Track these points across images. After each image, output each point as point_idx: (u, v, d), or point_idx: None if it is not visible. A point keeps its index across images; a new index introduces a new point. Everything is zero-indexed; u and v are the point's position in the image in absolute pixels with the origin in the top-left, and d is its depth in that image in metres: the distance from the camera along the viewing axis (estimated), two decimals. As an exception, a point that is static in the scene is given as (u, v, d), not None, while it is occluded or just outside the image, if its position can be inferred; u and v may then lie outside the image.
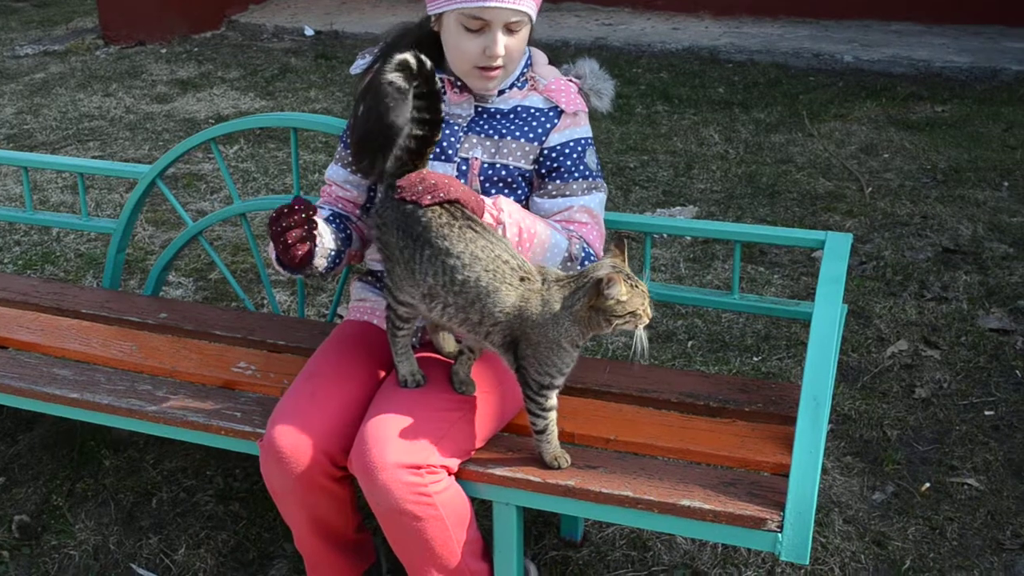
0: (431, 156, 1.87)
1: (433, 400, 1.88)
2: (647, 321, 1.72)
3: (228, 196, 4.39)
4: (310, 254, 1.87)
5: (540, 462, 1.85)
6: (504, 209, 1.87)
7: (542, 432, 1.82)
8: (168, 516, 2.50)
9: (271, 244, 1.87)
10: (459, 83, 2.02)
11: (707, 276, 3.62)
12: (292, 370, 2.15)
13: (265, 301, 3.50)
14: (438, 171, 1.88)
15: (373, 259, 2.15)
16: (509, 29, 1.92)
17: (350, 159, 2.10)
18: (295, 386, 1.96)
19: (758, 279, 3.57)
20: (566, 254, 1.93)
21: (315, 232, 1.85)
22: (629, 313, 1.69)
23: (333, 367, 2.00)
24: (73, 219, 2.94)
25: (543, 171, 2.02)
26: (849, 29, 6.96)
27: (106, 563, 2.37)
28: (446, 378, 1.93)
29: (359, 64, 2.12)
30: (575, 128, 2.03)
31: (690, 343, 3.20)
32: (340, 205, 2.14)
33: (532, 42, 2.06)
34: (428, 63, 1.73)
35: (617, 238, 1.76)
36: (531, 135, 2.01)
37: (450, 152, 2.00)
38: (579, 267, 1.94)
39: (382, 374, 2.03)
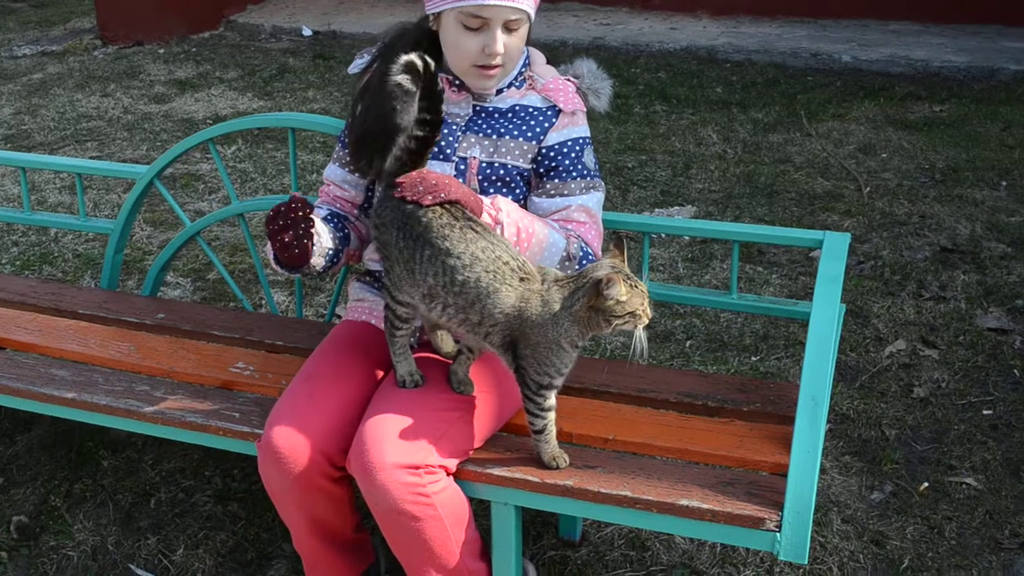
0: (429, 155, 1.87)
1: (431, 400, 1.88)
2: (646, 321, 1.72)
3: (226, 196, 4.39)
4: (308, 252, 1.87)
5: (538, 462, 1.85)
6: (502, 209, 1.87)
7: (540, 432, 1.82)
8: (166, 517, 2.50)
9: (269, 243, 1.87)
10: (457, 82, 2.02)
11: (705, 276, 3.62)
12: (290, 370, 2.15)
13: (263, 301, 3.50)
14: (436, 171, 1.88)
15: (371, 259, 2.15)
16: (508, 27, 1.92)
17: (348, 159, 2.10)
18: (293, 386, 1.96)
19: (756, 279, 3.57)
20: (564, 253, 1.93)
21: (312, 230, 1.85)
22: (628, 313, 1.69)
23: (331, 367, 2.00)
24: (71, 219, 2.93)
25: (541, 170, 2.02)
26: (847, 29, 6.96)
27: (104, 564, 2.37)
28: (444, 378, 1.93)
29: (357, 64, 2.12)
30: (573, 127, 2.03)
31: (688, 343, 3.20)
32: (338, 205, 2.14)
33: (530, 42, 2.06)
34: (432, 64, 1.73)
35: (616, 238, 1.76)
36: (529, 134, 2.01)
37: (448, 151, 2.00)
38: (577, 266, 1.94)
39: (380, 374, 2.03)
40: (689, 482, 1.80)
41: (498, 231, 1.84)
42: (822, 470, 2.56)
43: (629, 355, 1.75)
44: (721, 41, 6.76)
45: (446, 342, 1.96)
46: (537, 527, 2.40)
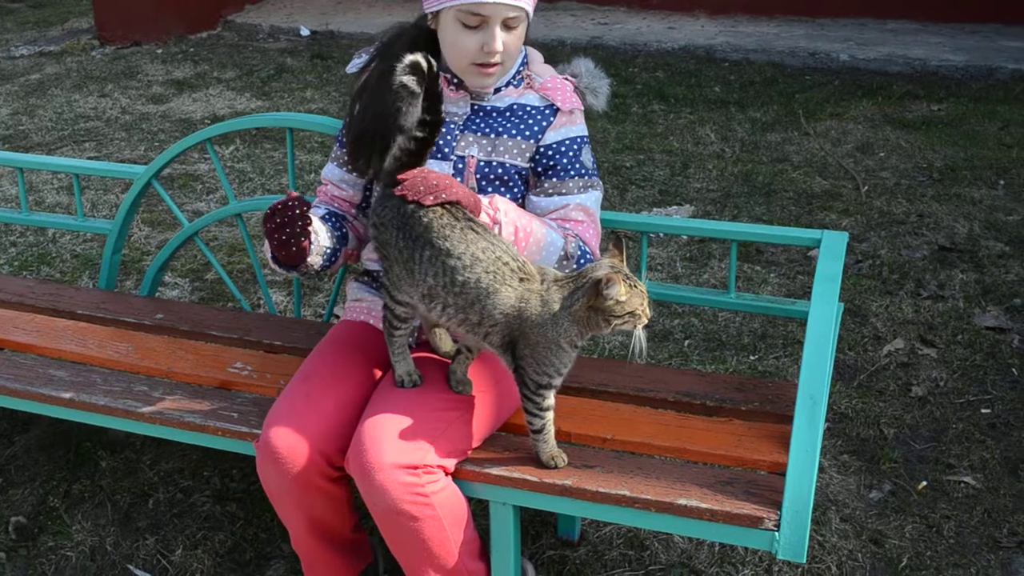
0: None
1: (430, 400, 1.88)
2: (646, 321, 1.72)
3: (224, 196, 4.38)
4: (305, 250, 1.87)
5: (537, 461, 1.85)
6: (500, 208, 1.87)
7: (539, 431, 1.82)
8: (165, 517, 2.50)
9: (266, 242, 1.87)
10: (455, 81, 2.01)
11: (703, 275, 3.62)
12: (288, 370, 2.15)
13: (261, 301, 3.50)
14: (434, 169, 1.88)
15: (369, 259, 2.15)
16: (507, 25, 1.93)
17: (346, 158, 2.10)
18: (291, 387, 1.96)
19: (754, 278, 3.57)
20: (562, 252, 1.93)
21: (309, 228, 1.85)
22: (628, 313, 1.69)
23: (329, 367, 2.00)
24: (69, 220, 2.93)
25: (539, 169, 2.02)
26: (845, 28, 6.96)
27: (103, 564, 2.37)
28: (443, 378, 1.93)
29: (355, 63, 2.12)
30: (571, 126, 2.03)
31: (687, 342, 3.20)
32: (336, 204, 2.14)
33: (528, 41, 2.06)
34: (435, 65, 1.74)
35: (615, 238, 1.76)
36: (527, 133, 2.01)
37: (446, 150, 2.00)
38: (575, 265, 1.94)
39: (378, 374, 2.03)
40: (687, 481, 1.80)
41: (496, 230, 1.84)
42: (820, 469, 2.56)
43: (628, 355, 1.75)
44: (719, 40, 6.76)
45: (444, 341, 1.96)
46: (536, 527, 2.40)
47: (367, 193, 2.14)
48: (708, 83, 6.03)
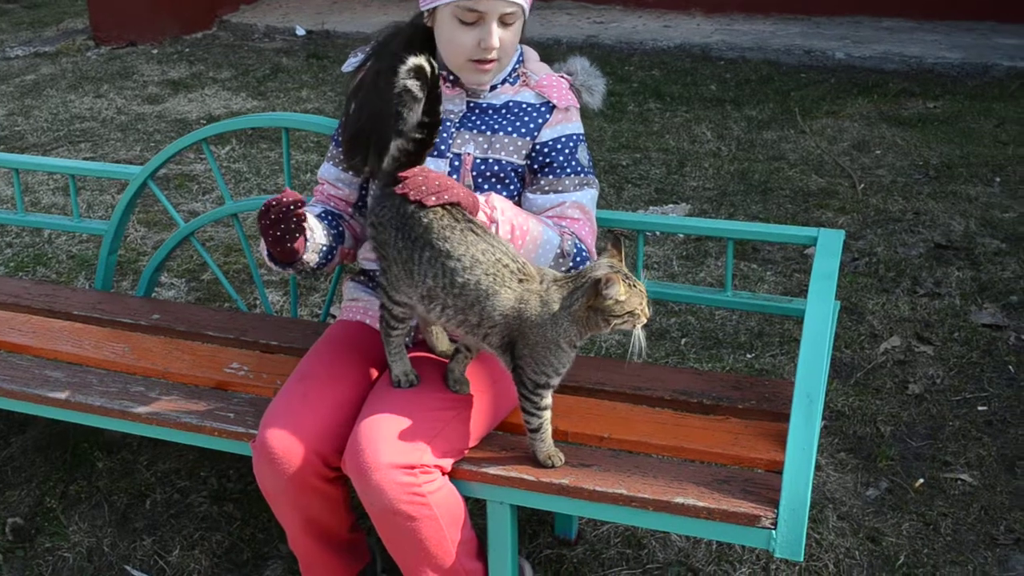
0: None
1: (426, 400, 1.87)
2: (645, 321, 1.71)
3: (220, 197, 4.38)
4: (300, 247, 1.87)
5: (534, 461, 1.85)
6: (497, 207, 1.87)
7: (536, 431, 1.82)
8: (162, 517, 2.49)
9: (262, 240, 1.87)
10: (451, 78, 2.01)
11: (700, 273, 3.62)
12: (285, 370, 2.15)
13: (258, 301, 3.49)
14: (431, 168, 1.88)
15: (366, 258, 2.15)
16: (503, 21, 1.93)
17: (342, 157, 2.10)
18: (287, 387, 1.96)
19: (751, 276, 3.57)
20: (558, 250, 1.93)
21: (304, 224, 1.84)
22: (627, 313, 1.69)
23: (326, 367, 1.99)
24: (65, 221, 2.93)
25: (535, 166, 2.02)
26: (841, 26, 6.97)
27: (100, 565, 2.37)
28: (439, 377, 1.93)
29: (351, 63, 2.12)
30: (567, 124, 2.03)
31: (683, 340, 3.20)
32: (332, 203, 2.14)
33: (523, 40, 2.06)
34: (436, 67, 1.73)
35: (613, 238, 1.76)
36: (523, 130, 2.01)
37: (442, 147, 2.00)
38: (571, 263, 1.94)
39: (375, 374, 2.02)
40: (685, 480, 1.80)
41: (493, 229, 1.83)
42: (817, 467, 2.56)
43: (627, 355, 1.74)
44: (715, 39, 6.76)
45: (441, 340, 1.96)
46: (533, 526, 2.40)
47: (363, 192, 2.14)
48: (704, 81, 6.03)
